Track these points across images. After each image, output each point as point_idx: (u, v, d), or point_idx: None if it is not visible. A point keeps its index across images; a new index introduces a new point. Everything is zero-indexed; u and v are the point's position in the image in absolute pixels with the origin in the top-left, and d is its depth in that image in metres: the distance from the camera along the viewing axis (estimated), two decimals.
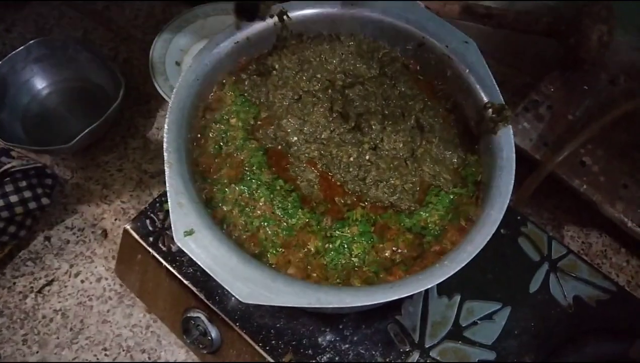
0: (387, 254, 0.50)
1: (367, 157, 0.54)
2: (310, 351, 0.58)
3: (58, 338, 0.70)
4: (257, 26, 0.58)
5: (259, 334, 0.58)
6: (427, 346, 0.60)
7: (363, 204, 0.53)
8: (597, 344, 0.60)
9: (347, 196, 0.53)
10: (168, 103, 0.53)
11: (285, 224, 0.51)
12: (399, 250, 0.51)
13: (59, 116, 0.86)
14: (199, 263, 0.43)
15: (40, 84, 0.87)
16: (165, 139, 0.50)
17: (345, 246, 0.50)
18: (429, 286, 0.44)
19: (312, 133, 0.55)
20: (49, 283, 0.74)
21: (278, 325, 0.59)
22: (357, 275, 0.49)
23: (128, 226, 0.64)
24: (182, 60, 0.90)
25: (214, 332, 0.60)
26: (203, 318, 0.60)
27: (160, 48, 0.89)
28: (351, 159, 0.54)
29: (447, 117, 0.58)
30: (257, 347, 0.58)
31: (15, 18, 0.97)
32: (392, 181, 0.53)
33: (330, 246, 0.50)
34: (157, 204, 0.66)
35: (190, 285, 0.60)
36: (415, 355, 0.59)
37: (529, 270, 0.65)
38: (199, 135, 0.55)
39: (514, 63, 0.95)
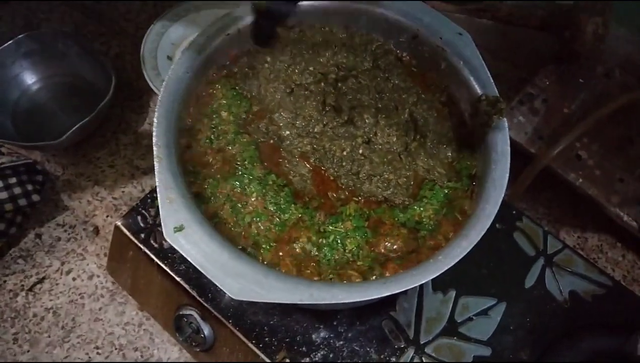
0: (381, 249, 0.50)
1: (360, 151, 0.53)
2: (304, 348, 0.57)
3: (49, 336, 0.69)
4: (249, 18, 0.57)
5: (252, 331, 0.57)
6: (422, 342, 0.59)
7: (357, 199, 0.52)
8: (593, 339, 0.60)
9: (340, 190, 0.53)
10: None
11: (277, 219, 0.50)
12: (393, 245, 0.50)
13: (50, 112, 0.85)
14: (189, 260, 0.42)
15: (30, 79, 0.86)
16: (154, 134, 0.49)
17: (339, 241, 0.50)
18: (423, 282, 0.43)
19: (305, 127, 0.54)
20: (40, 281, 0.73)
21: (271, 322, 0.58)
22: (351, 270, 0.48)
23: (119, 223, 0.63)
24: (174, 54, 0.89)
25: (206, 330, 0.59)
26: (195, 315, 0.59)
27: (152, 42, 0.88)
28: (344, 153, 0.53)
29: (441, 111, 0.58)
30: (250, 345, 0.57)
31: (4, 12, 0.95)
32: (386, 176, 0.52)
33: (324, 241, 0.50)
34: (149, 201, 0.65)
35: (182, 282, 0.60)
36: (410, 352, 0.58)
37: (524, 265, 0.65)
38: (189, 129, 0.54)
39: (509, 57, 0.94)
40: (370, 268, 0.48)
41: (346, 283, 0.46)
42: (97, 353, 0.69)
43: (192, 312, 0.59)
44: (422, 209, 0.52)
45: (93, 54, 0.84)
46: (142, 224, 0.63)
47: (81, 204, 0.79)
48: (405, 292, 0.61)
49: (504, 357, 0.59)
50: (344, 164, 0.53)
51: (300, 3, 0.57)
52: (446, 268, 0.43)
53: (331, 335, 0.58)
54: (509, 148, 0.50)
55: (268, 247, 0.49)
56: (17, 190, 0.72)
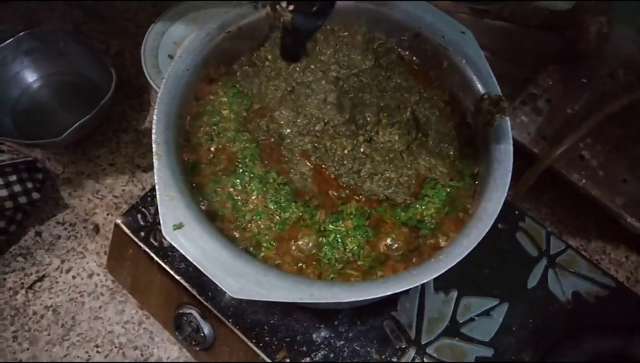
0: (382, 248, 0.49)
1: (361, 149, 0.53)
2: (304, 348, 0.57)
3: (49, 334, 0.69)
4: (250, 16, 0.57)
5: (253, 330, 0.57)
6: (423, 343, 0.59)
7: (357, 198, 0.52)
8: (596, 340, 0.59)
9: (341, 189, 0.52)
10: None
11: (278, 218, 0.50)
12: (394, 244, 0.49)
13: (50, 110, 0.85)
14: (189, 258, 0.42)
15: (30, 77, 0.86)
16: (153, 131, 0.48)
17: (340, 240, 0.49)
18: (424, 282, 0.43)
19: (306, 125, 0.54)
20: (40, 279, 0.73)
21: (272, 321, 0.58)
22: (351, 269, 0.48)
23: (119, 221, 0.63)
24: (174, 53, 0.88)
25: (206, 329, 0.59)
26: (195, 314, 0.59)
27: (153, 41, 0.87)
28: (345, 151, 0.53)
29: (444, 109, 0.57)
30: (250, 344, 0.56)
31: (5, 11, 0.95)
32: (387, 174, 0.52)
33: (324, 240, 0.49)
34: (149, 199, 0.64)
35: (182, 281, 0.59)
36: (412, 352, 0.58)
37: (527, 265, 0.64)
38: (189, 127, 0.54)
39: (512, 57, 0.94)
40: (371, 267, 0.48)
41: (347, 282, 0.45)
42: (97, 351, 0.68)
43: (192, 311, 0.59)
44: (423, 208, 0.51)
45: (94, 53, 0.84)
46: (142, 223, 0.63)
47: (81, 203, 0.78)
48: (406, 292, 0.61)
49: (506, 358, 0.59)
50: (345, 162, 0.53)
51: None
52: (448, 268, 0.43)
53: (332, 335, 0.58)
54: (511, 148, 0.50)
55: (268, 246, 0.48)
56: (17, 188, 0.71)
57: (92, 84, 0.86)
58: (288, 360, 0.56)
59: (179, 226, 0.43)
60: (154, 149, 0.47)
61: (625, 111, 0.74)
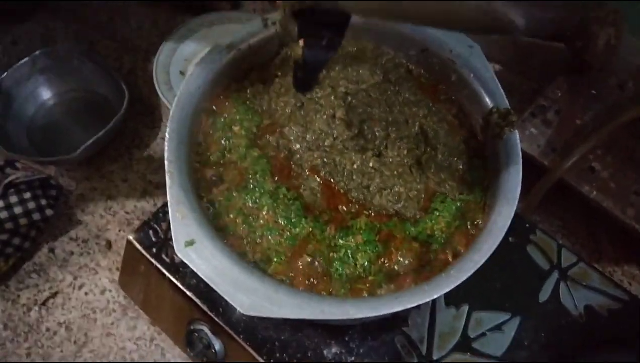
0: (392, 263, 0.49)
1: (370, 164, 0.53)
2: None
3: (62, 351, 0.70)
4: (260, 34, 0.58)
5: (264, 347, 0.57)
6: (434, 358, 0.58)
7: (367, 213, 0.52)
8: (609, 354, 0.59)
9: (350, 204, 0.53)
10: None
11: (288, 233, 0.50)
12: (405, 259, 0.49)
13: (64, 127, 0.86)
14: (200, 275, 0.42)
15: (45, 94, 0.87)
16: (166, 149, 0.49)
17: (350, 255, 0.49)
18: (435, 297, 0.42)
19: (315, 141, 0.54)
20: (53, 295, 0.73)
21: (282, 338, 0.58)
22: (362, 284, 0.48)
23: (131, 237, 0.64)
24: (186, 69, 0.90)
25: (217, 345, 0.59)
26: (207, 330, 0.59)
27: (165, 58, 0.89)
28: (354, 166, 0.53)
29: (452, 123, 0.57)
30: (261, 360, 0.56)
31: (21, 30, 0.97)
32: (397, 189, 0.52)
33: (335, 255, 0.49)
34: (160, 215, 0.65)
35: (193, 297, 0.59)
36: None
37: (538, 278, 0.64)
38: (201, 144, 0.54)
39: (520, 68, 0.94)
40: (381, 282, 0.48)
41: (357, 298, 0.46)
42: None
43: (203, 327, 0.59)
44: (433, 222, 0.51)
45: (107, 70, 0.86)
46: (153, 239, 0.63)
47: (94, 219, 0.79)
48: (417, 307, 0.60)
49: None
50: (354, 177, 0.53)
51: None
52: (458, 283, 0.43)
53: (342, 351, 0.58)
54: (520, 161, 0.50)
55: (279, 261, 0.49)
56: (31, 205, 0.73)
57: (105, 101, 0.87)
58: None
59: (190, 243, 0.44)
60: (166, 167, 0.48)
61: (635, 122, 0.73)
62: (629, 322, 0.62)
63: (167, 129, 0.50)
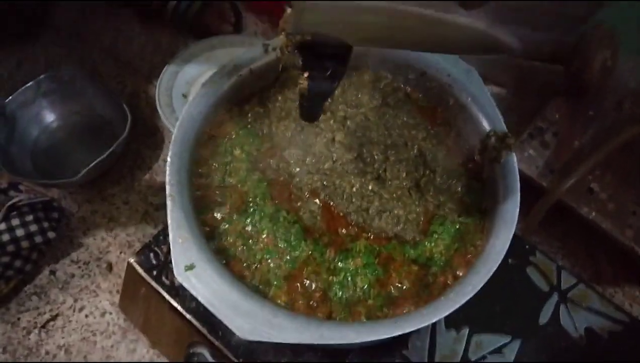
0: (392, 286, 0.50)
1: (370, 187, 0.54)
2: None
3: None
4: (261, 59, 0.59)
5: None
6: None
7: (366, 235, 0.52)
8: None
9: (350, 227, 0.53)
10: None
11: (288, 256, 0.50)
12: (404, 282, 0.50)
13: (67, 149, 0.87)
14: (199, 299, 0.43)
15: (49, 117, 0.88)
16: (167, 172, 0.50)
17: (350, 278, 0.50)
18: (433, 321, 0.43)
19: (315, 164, 0.55)
20: (54, 318, 0.73)
21: (282, 362, 0.58)
22: (362, 308, 0.48)
23: (132, 260, 0.64)
24: (188, 92, 0.91)
25: None
26: (206, 354, 0.59)
27: (167, 81, 0.90)
28: (354, 189, 0.54)
29: (450, 146, 0.58)
30: None
31: (26, 54, 0.99)
32: (396, 212, 0.53)
33: (334, 279, 0.50)
34: (161, 237, 0.65)
35: (193, 320, 0.60)
36: None
37: (538, 300, 0.64)
38: (202, 167, 0.55)
39: (518, 90, 0.95)
40: (381, 306, 0.48)
41: (356, 322, 0.46)
42: None
43: (203, 350, 0.59)
44: (432, 244, 0.52)
45: (109, 93, 0.87)
46: (154, 262, 0.64)
47: (95, 241, 0.80)
48: (417, 330, 0.60)
49: None
50: (353, 200, 0.53)
51: None
52: (457, 307, 0.43)
53: None
54: (518, 184, 0.51)
55: (279, 284, 0.49)
56: (33, 227, 0.73)
57: (107, 124, 0.88)
58: None
59: (190, 267, 0.44)
60: (167, 191, 0.48)
61: (633, 143, 0.74)
62: (630, 344, 0.61)
63: (169, 153, 0.51)
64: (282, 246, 0.51)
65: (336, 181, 0.54)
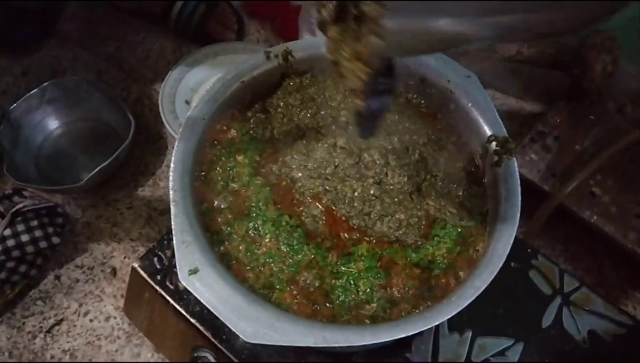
0: (394, 289, 0.50)
1: (371, 191, 0.54)
2: None
3: None
4: (263, 66, 0.59)
5: None
6: None
7: (368, 239, 0.53)
8: None
9: (352, 231, 0.53)
10: None
11: (290, 260, 0.51)
12: (407, 285, 0.50)
13: (71, 155, 0.88)
14: (204, 302, 0.43)
15: (53, 124, 0.89)
16: (171, 178, 0.50)
17: (352, 282, 0.50)
18: (436, 324, 0.43)
19: (316, 169, 0.55)
20: (58, 322, 0.74)
21: None
22: (364, 311, 0.49)
23: (136, 265, 0.64)
24: (191, 98, 0.92)
25: None
26: (210, 357, 0.59)
27: (171, 87, 0.91)
28: (356, 194, 0.54)
29: (452, 151, 0.58)
30: None
31: (31, 61, 1.00)
32: (397, 216, 0.53)
33: (337, 282, 0.50)
34: (165, 242, 0.66)
35: (197, 324, 0.60)
36: None
37: (541, 304, 0.64)
38: (205, 173, 0.56)
39: (520, 94, 0.95)
40: (384, 309, 0.48)
41: (359, 325, 0.46)
42: None
43: (207, 354, 0.59)
44: (434, 248, 0.52)
45: (113, 100, 0.88)
46: (158, 266, 0.64)
47: (99, 246, 0.80)
48: (421, 333, 0.61)
49: None
50: (355, 204, 0.54)
51: (312, 50, 0.60)
52: (459, 310, 0.43)
53: None
54: (519, 188, 0.51)
55: (282, 288, 0.49)
56: (38, 233, 0.74)
57: (111, 130, 0.89)
58: None
59: (194, 271, 0.44)
60: (170, 196, 0.49)
61: (635, 146, 0.74)
62: (633, 347, 0.61)
63: (172, 159, 0.51)
64: (285, 250, 0.51)
65: (338, 185, 0.55)
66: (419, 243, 0.53)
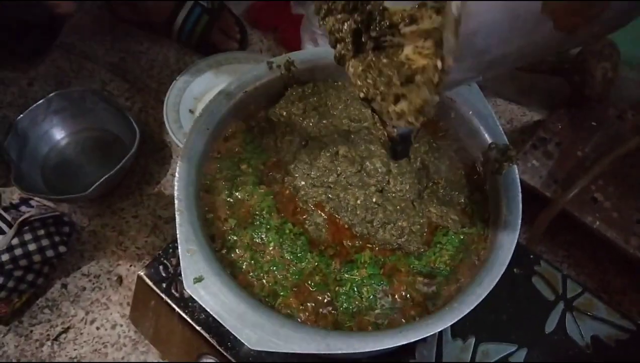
0: (397, 296, 0.50)
1: (373, 199, 0.55)
2: None
3: None
4: (266, 76, 0.60)
5: None
6: None
7: (371, 247, 0.53)
8: None
9: (355, 238, 0.54)
10: None
11: (294, 268, 0.51)
12: (409, 292, 0.50)
13: (77, 165, 0.89)
14: (208, 310, 0.44)
15: (59, 134, 0.91)
16: (176, 188, 0.51)
17: (355, 289, 0.50)
18: (438, 330, 0.43)
19: (319, 177, 0.56)
20: (65, 330, 0.75)
21: None
22: (368, 318, 0.49)
23: (141, 273, 0.65)
24: (195, 108, 0.92)
25: None
26: None
27: (175, 97, 0.92)
28: (358, 202, 0.54)
29: (453, 159, 0.59)
30: None
31: (37, 72, 1.01)
32: (400, 223, 0.53)
33: (341, 290, 0.50)
34: (170, 250, 0.67)
35: (202, 331, 0.60)
36: None
37: (544, 309, 0.64)
38: (209, 182, 0.56)
39: (522, 101, 0.96)
40: (387, 315, 0.49)
41: (362, 332, 0.46)
42: None
43: (212, 361, 0.60)
44: (437, 255, 0.52)
45: (118, 109, 0.89)
46: (163, 274, 0.65)
47: (106, 255, 0.81)
48: (424, 339, 0.61)
49: None
50: (358, 212, 0.54)
51: (314, 60, 0.61)
52: (461, 316, 0.44)
53: None
54: (520, 194, 0.51)
55: (285, 295, 0.50)
56: (45, 242, 0.74)
57: (116, 139, 0.90)
58: None
59: (199, 279, 0.45)
60: (176, 205, 0.49)
61: (636, 152, 0.75)
62: (637, 352, 0.62)
63: (177, 169, 0.52)
64: (289, 257, 0.52)
65: (340, 193, 0.55)
66: (422, 250, 0.53)
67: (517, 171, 0.53)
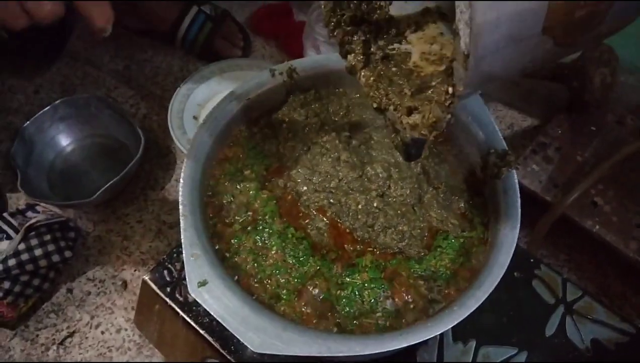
0: (398, 300, 0.51)
1: (375, 204, 0.55)
2: None
3: None
4: (268, 83, 0.61)
5: None
6: None
7: (372, 251, 0.54)
8: None
9: (356, 243, 0.55)
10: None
11: (296, 272, 0.52)
12: (410, 296, 0.51)
13: (82, 171, 0.90)
14: (212, 314, 0.44)
15: (64, 141, 0.92)
16: (180, 193, 0.52)
17: (357, 292, 0.51)
18: (438, 333, 0.44)
19: (321, 182, 0.57)
20: (71, 334, 0.76)
21: None
22: (369, 321, 0.50)
23: (146, 277, 0.66)
24: (199, 114, 0.94)
25: None
26: None
27: (179, 103, 0.93)
28: (359, 206, 0.55)
29: (453, 163, 0.60)
30: None
31: (43, 80, 1.02)
32: (400, 228, 0.54)
33: (342, 293, 0.51)
34: (174, 255, 0.67)
35: (206, 335, 0.61)
36: None
37: (544, 313, 0.65)
38: (213, 187, 0.57)
39: (522, 106, 0.97)
40: (388, 319, 0.50)
41: (363, 335, 0.47)
42: None
43: None
44: (437, 259, 0.53)
45: (123, 116, 0.90)
46: (168, 279, 0.65)
47: (110, 259, 0.82)
48: (425, 342, 0.62)
49: None
50: (359, 217, 0.55)
51: (316, 68, 0.62)
52: (461, 319, 0.45)
53: None
54: (519, 199, 0.52)
55: (288, 298, 0.50)
56: (51, 247, 0.75)
57: (121, 146, 0.91)
58: None
59: (203, 284, 0.46)
60: (180, 211, 0.50)
61: (636, 156, 0.75)
62: (637, 355, 0.62)
63: (182, 175, 0.53)
64: (291, 261, 0.52)
65: (342, 198, 0.56)
66: (422, 254, 0.54)
67: (515, 175, 0.53)
